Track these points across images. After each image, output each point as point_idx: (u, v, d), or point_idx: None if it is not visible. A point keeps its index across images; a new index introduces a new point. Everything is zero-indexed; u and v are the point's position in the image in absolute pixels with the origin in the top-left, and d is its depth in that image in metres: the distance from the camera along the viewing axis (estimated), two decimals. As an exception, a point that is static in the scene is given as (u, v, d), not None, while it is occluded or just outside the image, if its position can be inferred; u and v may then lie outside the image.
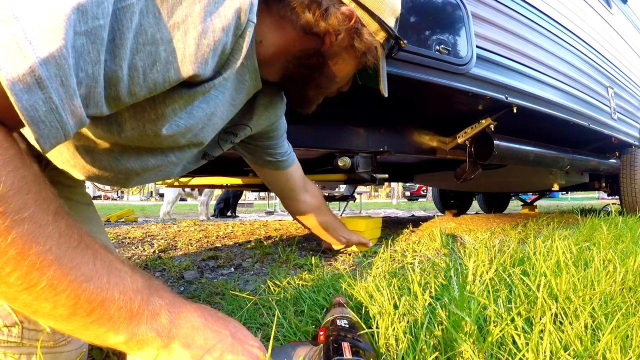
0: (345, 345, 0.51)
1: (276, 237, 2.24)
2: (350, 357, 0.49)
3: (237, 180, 2.22)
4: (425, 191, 19.92)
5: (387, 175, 1.88)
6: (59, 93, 0.37)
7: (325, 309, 0.82)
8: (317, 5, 0.63)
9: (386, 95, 0.79)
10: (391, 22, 0.73)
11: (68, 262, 0.37)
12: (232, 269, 1.36)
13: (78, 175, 0.65)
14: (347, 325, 0.59)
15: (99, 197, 22.14)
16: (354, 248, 1.63)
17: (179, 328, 0.44)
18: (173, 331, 0.43)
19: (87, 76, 0.40)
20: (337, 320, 0.61)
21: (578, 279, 0.82)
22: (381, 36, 0.72)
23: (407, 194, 21.86)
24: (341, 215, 6.20)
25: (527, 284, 0.79)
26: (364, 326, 0.62)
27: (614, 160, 3.15)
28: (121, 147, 0.60)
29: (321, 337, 0.57)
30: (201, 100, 0.57)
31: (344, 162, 1.65)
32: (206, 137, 0.68)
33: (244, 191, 7.52)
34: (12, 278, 0.34)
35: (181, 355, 0.43)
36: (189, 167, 0.81)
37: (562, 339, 0.58)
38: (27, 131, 0.59)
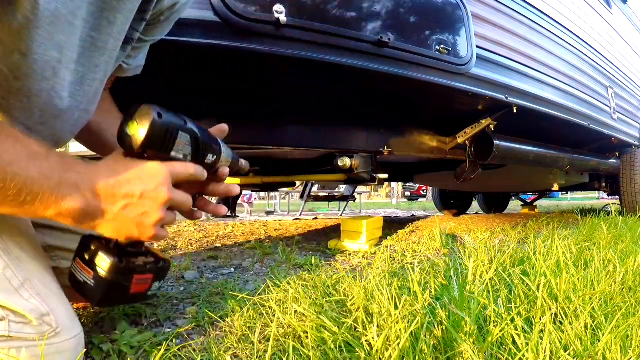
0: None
1: (276, 237, 2.24)
2: None
3: (235, 180, 2.22)
4: (425, 191, 19.91)
5: (387, 175, 1.88)
6: None
7: (324, 309, 0.82)
8: None
9: None
10: None
11: None
12: (232, 269, 1.36)
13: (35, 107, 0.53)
14: None
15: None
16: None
17: (96, 187, 0.49)
18: (94, 196, 0.49)
19: None
20: None
21: (578, 279, 0.82)
22: None
23: (407, 194, 21.84)
24: (341, 215, 6.21)
25: (527, 284, 0.79)
26: None
27: (614, 160, 3.15)
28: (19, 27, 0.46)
29: None
30: None
31: (344, 162, 1.65)
32: None
33: (244, 191, 7.52)
34: None
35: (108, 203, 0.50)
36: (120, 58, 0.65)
37: (562, 339, 0.58)
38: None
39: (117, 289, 0.55)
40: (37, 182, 0.44)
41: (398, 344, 0.55)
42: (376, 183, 1.81)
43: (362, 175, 1.69)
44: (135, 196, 0.50)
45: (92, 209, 0.48)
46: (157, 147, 0.51)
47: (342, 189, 6.56)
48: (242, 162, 0.69)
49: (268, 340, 0.55)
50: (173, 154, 0.52)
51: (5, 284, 0.51)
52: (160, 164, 0.52)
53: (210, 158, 0.58)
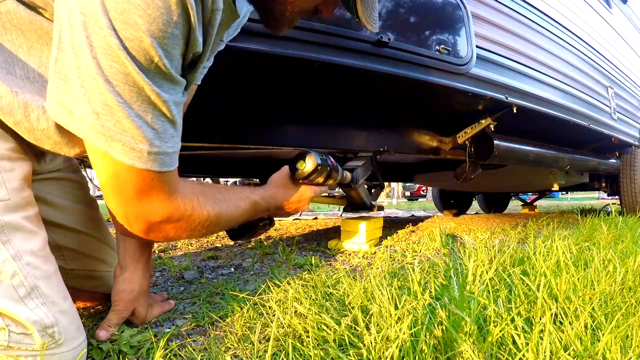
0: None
1: (276, 237, 2.24)
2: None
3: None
4: (425, 191, 19.92)
5: (386, 203, 1.87)
6: None
7: (324, 308, 0.82)
8: None
9: (375, 30, 0.70)
10: None
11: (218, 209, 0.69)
12: (232, 269, 1.36)
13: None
14: None
15: (101, 196, 22.13)
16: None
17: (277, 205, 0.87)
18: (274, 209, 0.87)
19: None
20: None
21: (578, 279, 0.82)
22: None
23: (407, 194, 21.85)
24: (341, 215, 6.19)
25: (527, 284, 0.79)
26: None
27: (614, 160, 3.15)
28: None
29: None
30: None
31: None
32: None
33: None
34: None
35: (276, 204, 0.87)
36: None
37: (562, 339, 0.58)
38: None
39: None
40: (250, 217, 0.81)
41: (398, 344, 0.55)
42: (374, 209, 1.78)
43: (361, 193, 1.64)
44: (295, 207, 0.91)
45: (276, 214, 0.90)
46: (311, 178, 0.88)
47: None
48: (347, 174, 1.14)
49: (268, 340, 0.55)
50: (316, 181, 0.90)
51: (10, 292, 0.51)
52: (310, 189, 0.91)
53: (331, 179, 0.97)
